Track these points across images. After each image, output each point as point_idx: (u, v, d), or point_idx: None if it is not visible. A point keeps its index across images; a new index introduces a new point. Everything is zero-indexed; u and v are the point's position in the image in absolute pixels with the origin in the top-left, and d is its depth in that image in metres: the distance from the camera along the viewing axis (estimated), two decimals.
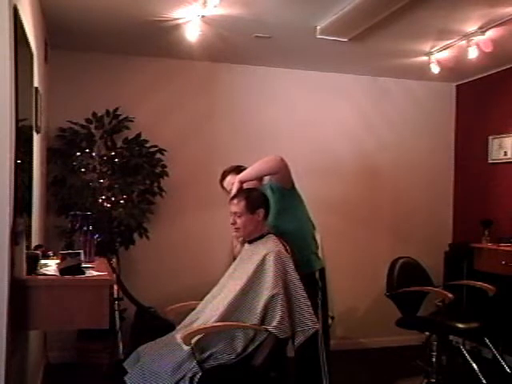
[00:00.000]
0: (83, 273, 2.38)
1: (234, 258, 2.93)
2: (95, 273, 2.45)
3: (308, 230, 3.01)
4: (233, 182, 2.86)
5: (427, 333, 3.82)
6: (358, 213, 4.94)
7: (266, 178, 2.99)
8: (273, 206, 2.87)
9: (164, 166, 4.26)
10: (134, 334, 3.95)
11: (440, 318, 3.71)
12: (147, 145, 4.25)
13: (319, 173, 4.67)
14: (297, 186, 2.98)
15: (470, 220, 4.91)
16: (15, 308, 2.18)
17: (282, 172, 2.82)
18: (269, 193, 2.91)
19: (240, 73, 4.67)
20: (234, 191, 2.79)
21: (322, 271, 2.98)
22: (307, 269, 2.84)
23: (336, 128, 4.88)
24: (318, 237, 3.14)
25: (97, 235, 3.06)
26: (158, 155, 4.26)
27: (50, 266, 2.55)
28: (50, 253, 2.94)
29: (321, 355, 2.87)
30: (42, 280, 2.31)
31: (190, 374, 2.30)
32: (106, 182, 4.09)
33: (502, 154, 4.62)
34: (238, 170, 2.96)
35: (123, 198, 4.07)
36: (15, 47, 2.18)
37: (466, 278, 4.38)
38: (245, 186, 2.84)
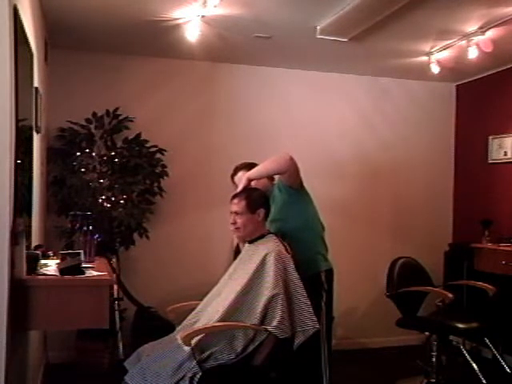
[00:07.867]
0: (83, 273, 2.38)
1: (236, 250, 2.92)
2: (95, 273, 2.45)
3: (314, 230, 2.97)
4: None
5: (427, 333, 3.82)
6: (358, 213, 4.94)
7: (276, 177, 3.00)
8: (279, 204, 2.88)
9: (164, 166, 4.26)
10: (134, 334, 3.96)
11: (440, 317, 3.72)
12: (147, 145, 4.25)
13: (319, 173, 4.65)
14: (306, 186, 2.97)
15: (469, 220, 4.91)
16: (15, 308, 2.18)
17: (290, 171, 2.80)
18: (276, 192, 2.93)
19: (240, 73, 4.67)
20: (240, 188, 2.80)
21: (330, 273, 2.92)
22: (312, 269, 2.82)
23: (336, 128, 4.88)
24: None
25: (97, 235, 3.06)
26: (158, 155, 4.26)
27: (50, 266, 2.55)
28: (50, 253, 2.94)
29: (322, 357, 2.84)
30: (42, 280, 2.31)
31: (190, 374, 2.31)
32: (106, 181, 4.09)
33: (502, 154, 4.62)
34: (250, 166, 2.97)
35: (123, 198, 4.07)
36: (15, 47, 2.18)
37: (466, 278, 4.38)
38: (253, 184, 2.84)
